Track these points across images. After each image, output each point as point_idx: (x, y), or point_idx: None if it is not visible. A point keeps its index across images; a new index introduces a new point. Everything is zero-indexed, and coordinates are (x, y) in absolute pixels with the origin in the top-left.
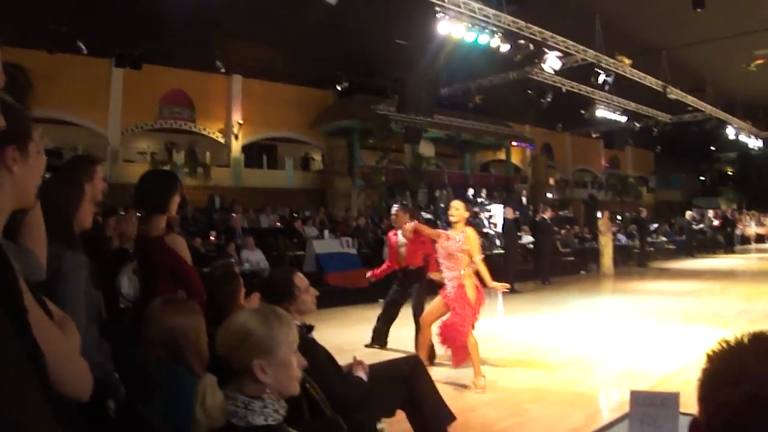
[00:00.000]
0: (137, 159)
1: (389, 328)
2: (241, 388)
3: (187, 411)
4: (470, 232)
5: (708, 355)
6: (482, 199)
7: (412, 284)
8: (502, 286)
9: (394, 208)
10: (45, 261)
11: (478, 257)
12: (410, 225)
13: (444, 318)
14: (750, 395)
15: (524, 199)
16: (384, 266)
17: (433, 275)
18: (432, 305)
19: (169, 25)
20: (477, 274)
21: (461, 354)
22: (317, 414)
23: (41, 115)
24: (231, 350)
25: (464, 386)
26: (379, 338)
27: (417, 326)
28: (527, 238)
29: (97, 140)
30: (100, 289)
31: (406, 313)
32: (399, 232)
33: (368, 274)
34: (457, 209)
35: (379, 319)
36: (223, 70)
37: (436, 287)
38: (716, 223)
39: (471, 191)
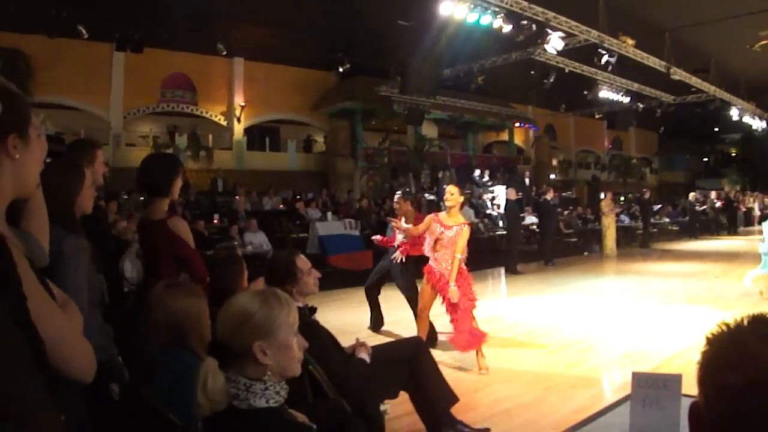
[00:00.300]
0: (139, 143)
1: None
2: (243, 370)
3: (189, 394)
4: (467, 230)
5: (707, 338)
6: (486, 180)
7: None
8: (455, 293)
9: (397, 196)
10: (47, 246)
11: (459, 256)
12: (402, 234)
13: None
14: (750, 378)
15: (527, 180)
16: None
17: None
18: (424, 294)
19: (169, 8)
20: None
21: (470, 340)
22: (320, 396)
23: (42, 100)
24: (231, 333)
25: (467, 368)
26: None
27: (414, 310)
28: (530, 219)
29: (99, 124)
30: (102, 273)
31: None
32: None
33: (377, 237)
34: (452, 194)
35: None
36: (224, 53)
37: (420, 270)
38: (718, 204)
39: (477, 172)
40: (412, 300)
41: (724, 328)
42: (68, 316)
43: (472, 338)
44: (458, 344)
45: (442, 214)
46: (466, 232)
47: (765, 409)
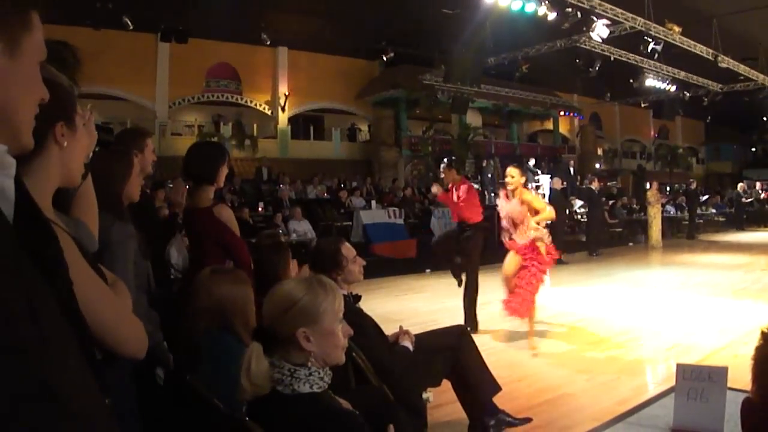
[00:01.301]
0: (185, 132)
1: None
2: (287, 356)
3: (234, 379)
4: (526, 195)
5: (763, 333)
6: (537, 169)
7: (467, 244)
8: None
9: (442, 165)
10: (97, 232)
11: (547, 209)
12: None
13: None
14: None
15: (572, 170)
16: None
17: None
18: (508, 263)
19: None
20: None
21: (519, 308)
22: (363, 383)
23: (89, 91)
24: (276, 318)
25: (510, 357)
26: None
27: (466, 293)
28: (578, 203)
29: (145, 114)
30: (149, 260)
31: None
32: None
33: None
34: (513, 177)
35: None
36: (268, 42)
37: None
38: (763, 195)
39: (533, 161)
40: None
41: None
42: (118, 296)
43: (521, 307)
44: (508, 307)
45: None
46: (527, 195)
47: None
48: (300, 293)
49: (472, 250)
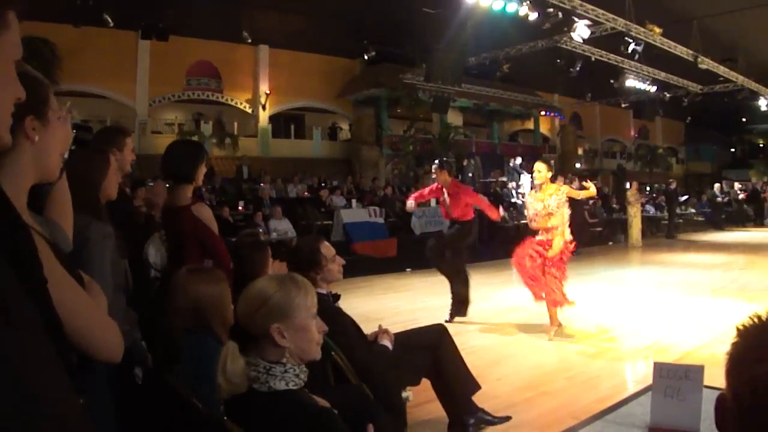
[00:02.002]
0: (165, 130)
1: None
2: (262, 353)
3: (211, 378)
4: (564, 188)
5: (738, 329)
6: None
7: (455, 237)
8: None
9: (433, 166)
10: (71, 233)
11: (582, 194)
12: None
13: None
14: None
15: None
16: (420, 196)
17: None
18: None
19: None
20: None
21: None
22: (343, 381)
23: (69, 88)
24: (250, 316)
25: (489, 356)
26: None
27: (460, 283)
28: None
29: (125, 112)
30: (126, 259)
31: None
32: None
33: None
34: (540, 171)
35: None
36: (249, 41)
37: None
38: (741, 195)
39: (519, 160)
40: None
41: (756, 320)
42: (93, 299)
43: (557, 298)
44: (551, 301)
45: (536, 193)
46: (564, 189)
47: None
48: (272, 290)
49: (459, 243)
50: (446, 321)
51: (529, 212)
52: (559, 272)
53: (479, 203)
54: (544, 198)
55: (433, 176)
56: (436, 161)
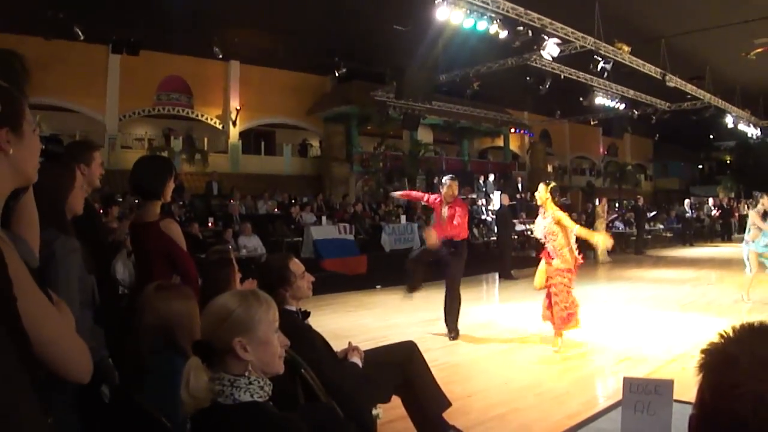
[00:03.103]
0: (135, 145)
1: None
2: (226, 367)
3: (179, 396)
4: (557, 214)
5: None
6: (484, 187)
7: (453, 257)
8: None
9: (446, 178)
10: (38, 248)
11: (575, 228)
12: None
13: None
14: None
15: (520, 186)
16: (414, 196)
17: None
18: (538, 272)
19: (166, 11)
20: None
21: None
22: (312, 399)
23: (38, 102)
24: (212, 330)
25: (460, 373)
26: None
27: (449, 295)
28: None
29: (95, 127)
30: (93, 275)
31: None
32: (445, 205)
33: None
34: (539, 192)
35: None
36: (220, 56)
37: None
38: (715, 212)
39: (491, 177)
40: (450, 287)
41: (724, 341)
42: (62, 317)
43: (558, 319)
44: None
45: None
46: (557, 215)
47: None
48: (234, 304)
49: (455, 264)
50: (452, 338)
51: (537, 233)
52: (561, 295)
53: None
54: (550, 221)
55: (443, 188)
56: (449, 176)
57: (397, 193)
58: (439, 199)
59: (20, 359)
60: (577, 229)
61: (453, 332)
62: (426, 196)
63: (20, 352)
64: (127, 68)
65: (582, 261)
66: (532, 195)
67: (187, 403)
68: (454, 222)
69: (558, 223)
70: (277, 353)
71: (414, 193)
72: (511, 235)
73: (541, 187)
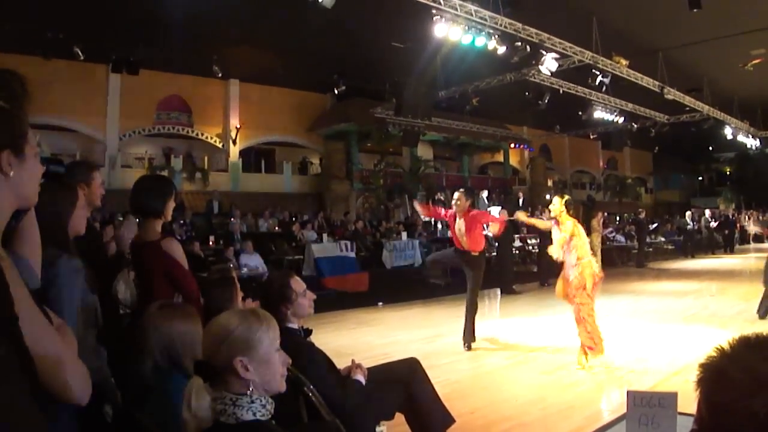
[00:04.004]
0: (135, 164)
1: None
2: (228, 387)
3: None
4: (571, 226)
5: (706, 366)
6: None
7: (472, 269)
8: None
9: (458, 193)
10: (39, 268)
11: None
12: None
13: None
14: None
15: (521, 201)
16: (432, 212)
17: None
18: (558, 284)
19: (165, 30)
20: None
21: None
22: (315, 417)
23: (38, 121)
24: (213, 350)
25: (463, 389)
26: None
27: (469, 311)
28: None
29: (95, 146)
30: (96, 294)
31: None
32: (459, 217)
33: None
34: (554, 205)
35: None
36: (220, 75)
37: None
38: (713, 224)
39: (485, 193)
40: (469, 302)
41: (719, 356)
42: (63, 339)
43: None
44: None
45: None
46: (571, 228)
47: None
48: (234, 323)
49: (476, 272)
50: (465, 348)
51: (554, 249)
52: (585, 310)
53: (494, 220)
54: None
55: (455, 202)
56: (461, 190)
57: (417, 206)
58: (452, 214)
59: (25, 377)
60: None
61: (466, 343)
62: (443, 211)
63: (25, 369)
64: (127, 87)
65: (601, 276)
66: (533, 210)
67: (189, 423)
68: (466, 233)
69: (572, 235)
70: (278, 372)
71: (433, 208)
72: (511, 250)
73: (556, 199)
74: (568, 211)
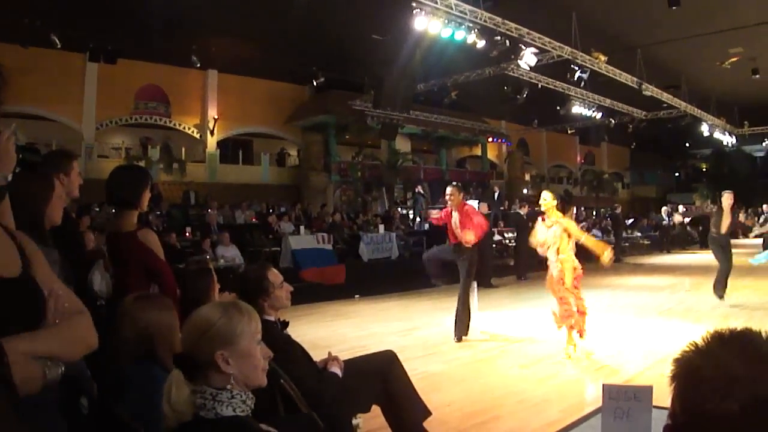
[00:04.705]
0: (112, 154)
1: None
2: (208, 381)
3: (159, 408)
4: (564, 222)
5: (680, 362)
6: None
7: (466, 262)
8: (609, 259)
9: (450, 188)
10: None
11: (583, 237)
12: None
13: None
14: (752, 399)
15: (496, 195)
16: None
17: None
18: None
19: (144, 19)
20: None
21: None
22: (292, 410)
23: (14, 110)
24: (194, 343)
25: (440, 382)
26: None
27: (461, 305)
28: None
29: (72, 135)
30: (72, 285)
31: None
32: (454, 211)
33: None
34: (545, 199)
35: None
36: (198, 65)
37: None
38: (682, 219)
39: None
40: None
41: (693, 352)
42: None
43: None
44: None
45: (546, 221)
46: (565, 222)
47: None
48: (215, 316)
49: (462, 269)
50: (455, 340)
51: (537, 239)
52: (574, 296)
53: (476, 228)
54: (550, 226)
55: (450, 197)
56: (453, 184)
57: (432, 219)
58: (448, 210)
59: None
60: (585, 239)
61: (456, 335)
62: (443, 213)
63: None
64: (105, 76)
65: (582, 272)
66: (510, 204)
67: (169, 416)
68: (460, 227)
69: (565, 230)
70: (259, 365)
71: (441, 214)
72: (491, 243)
73: (548, 194)
74: (557, 207)
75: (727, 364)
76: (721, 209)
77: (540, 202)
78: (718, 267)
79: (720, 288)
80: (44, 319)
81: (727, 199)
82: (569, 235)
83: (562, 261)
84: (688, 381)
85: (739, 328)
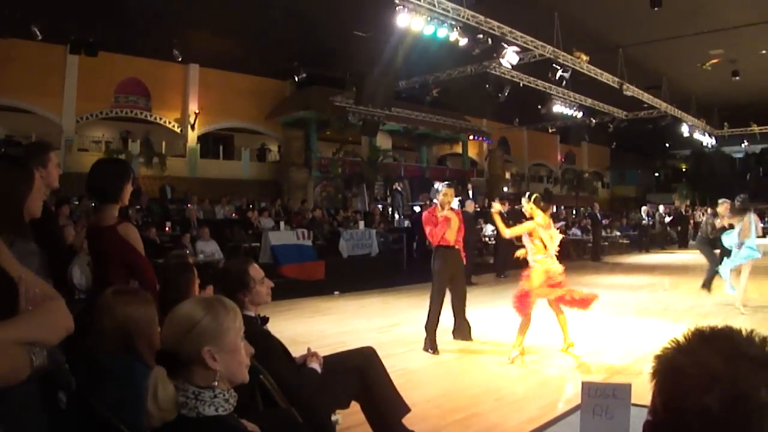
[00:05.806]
0: (92, 148)
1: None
2: (191, 378)
3: (138, 402)
4: (530, 224)
5: (660, 359)
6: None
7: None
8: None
9: (443, 186)
10: None
11: (507, 232)
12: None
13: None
14: (731, 396)
15: (470, 193)
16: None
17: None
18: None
19: (126, 12)
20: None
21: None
22: (271, 405)
23: None
24: (179, 340)
25: (418, 379)
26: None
27: (455, 315)
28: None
29: (51, 128)
30: (51, 279)
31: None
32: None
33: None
34: (524, 207)
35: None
36: (180, 59)
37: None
38: (667, 219)
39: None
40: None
41: (674, 349)
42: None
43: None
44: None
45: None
46: (530, 224)
47: (746, 420)
48: (200, 313)
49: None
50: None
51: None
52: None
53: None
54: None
55: (443, 197)
56: (446, 183)
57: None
58: (444, 216)
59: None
60: (509, 233)
61: (458, 338)
62: (429, 226)
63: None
64: (85, 69)
65: (560, 282)
66: (490, 202)
67: (154, 415)
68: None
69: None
70: (244, 362)
71: (440, 230)
72: (474, 241)
73: (523, 201)
74: (538, 206)
75: (707, 362)
76: (716, 214)
77: (523, 210)
78: (708, 266)
79: (709, 284)
80: (17, 307)
81: (722, 206)
82: (540, 239)
83: (538, 262)
84: (669, 377)
85: (719, 326)
